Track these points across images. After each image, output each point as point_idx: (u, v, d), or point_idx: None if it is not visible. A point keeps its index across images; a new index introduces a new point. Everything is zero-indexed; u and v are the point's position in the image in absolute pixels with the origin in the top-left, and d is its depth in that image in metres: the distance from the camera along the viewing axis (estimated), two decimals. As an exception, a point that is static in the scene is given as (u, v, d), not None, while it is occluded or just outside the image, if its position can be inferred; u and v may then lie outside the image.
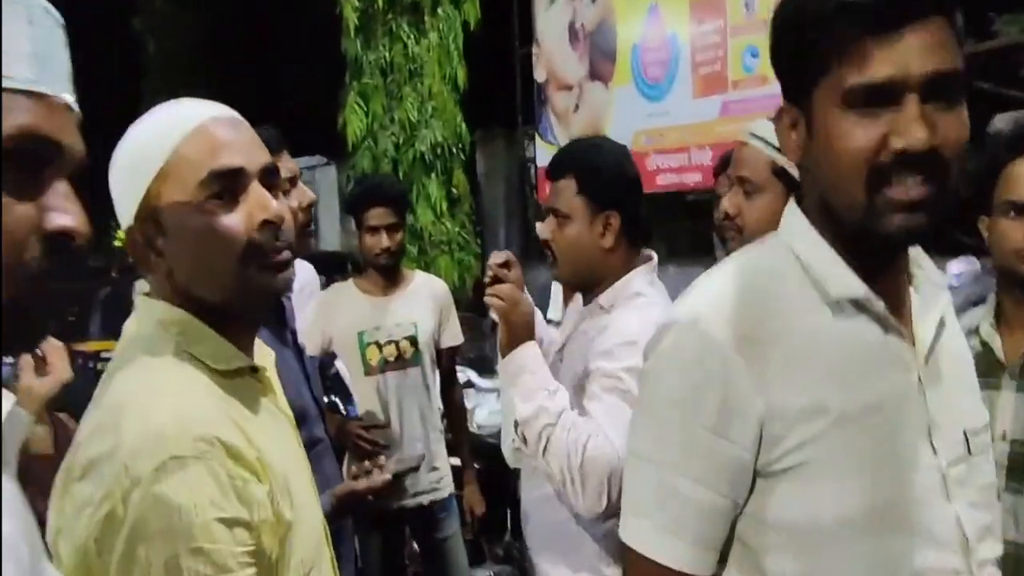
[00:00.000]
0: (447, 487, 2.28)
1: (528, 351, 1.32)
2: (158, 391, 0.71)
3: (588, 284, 1.40)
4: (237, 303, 0.76)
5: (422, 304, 2.26)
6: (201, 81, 10.99)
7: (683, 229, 4.96)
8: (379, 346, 2.21)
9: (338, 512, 1.27)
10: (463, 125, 5.94)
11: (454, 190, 6.14)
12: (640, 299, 1.34)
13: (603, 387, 1.26)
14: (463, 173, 6.15)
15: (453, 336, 2.33)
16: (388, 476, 1.35)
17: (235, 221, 0.74)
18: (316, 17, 6.41)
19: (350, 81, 5.84)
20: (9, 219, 0.43)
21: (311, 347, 2.20)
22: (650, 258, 1.42)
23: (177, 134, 0.75)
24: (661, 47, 5.21)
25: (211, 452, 0.69)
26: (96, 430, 0.71)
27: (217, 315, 0.77)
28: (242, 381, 0.78)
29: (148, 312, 0.78)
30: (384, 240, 2.17)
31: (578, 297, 1.49)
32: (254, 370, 0.80)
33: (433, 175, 5.92)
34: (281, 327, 1.42)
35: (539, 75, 6.27)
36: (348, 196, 2.30)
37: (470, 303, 7.19)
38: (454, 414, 2.44)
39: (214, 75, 11.01)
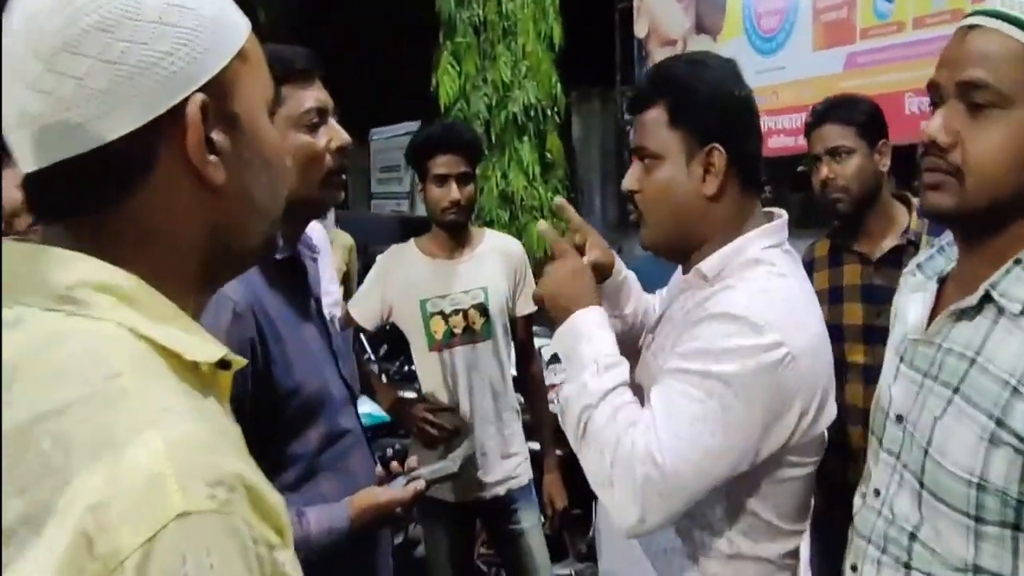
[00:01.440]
0: (525, 474, 2.05)
1: (587, 316, 1.05)
2: (126, 402, 0.45)
3: (685, 248, 1.08)
4: None
5: (493, 267, 1.99)
6: (303, 45, 11.19)
7: (796, 200, 4.52)
8: (444, 316, 1.97)
9: (358, 527, 1.09)
10: (558, 85, 5.67)
11: (548, 154, 5.91)
12: (760, 268, 1.01)
13: (673, 369, 0.98)
14: (557, 136, 5.91)
15: (530, 303, 2.00)
16: (421, 485, 1.15)
17: None
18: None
19: (443, 41, 5.67)
20: None
21: (367, 320, 2.03)
22: (777, 216, 1.08)
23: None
24: (778, -7, 4.72)
25: (232, 502, 0.44)
26: (21, 482, 0.43)
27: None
28: (204, 378, 0.53)
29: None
30: (453, 192, 1.89)
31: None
32: (223, 365, 0.54)
33: (526, 138, 5.71)
34: (303, 296, 1.20)
35: (639, 30, 5.87)
36: (411, 143, 1.98)
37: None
38: (532, 392, 2.15)
39: (314, 39, 11.15)
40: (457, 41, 5.57)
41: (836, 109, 1.72)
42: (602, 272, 1.21)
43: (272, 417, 1.07)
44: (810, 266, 1.78)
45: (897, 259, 1.62)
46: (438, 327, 1.97)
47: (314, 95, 1.13)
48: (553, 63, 5.62)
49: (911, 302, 0.96)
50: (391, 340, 4.69)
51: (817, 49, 4.50)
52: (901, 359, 0.95)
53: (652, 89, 1.07)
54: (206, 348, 0.52)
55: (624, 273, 1.26)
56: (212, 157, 0.53)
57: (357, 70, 11.40)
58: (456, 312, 1.96)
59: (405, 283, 1.98)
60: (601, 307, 1.07)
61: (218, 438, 0.48)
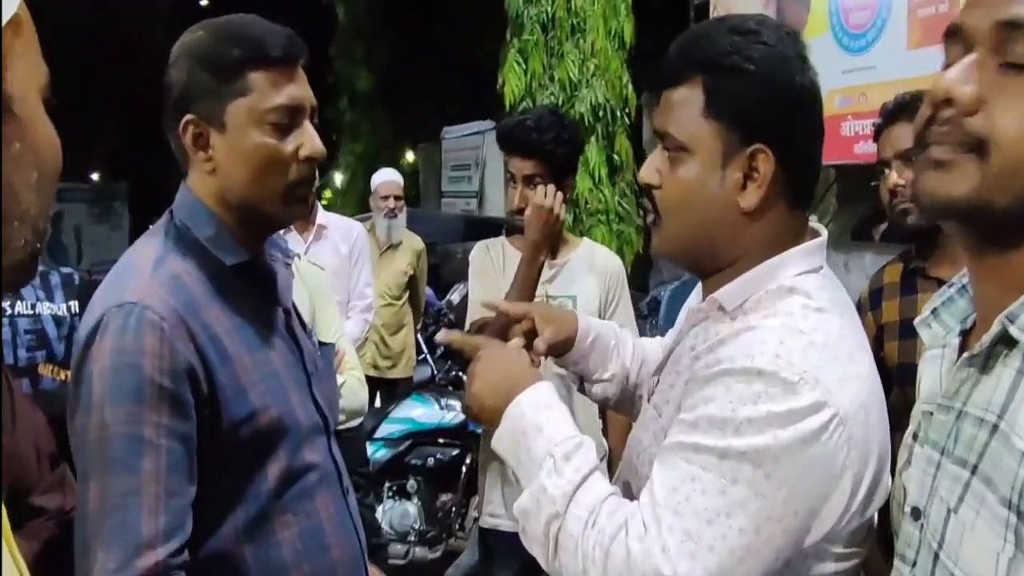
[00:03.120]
0: None
1: (525, 402, 0.85)
2: None
3: (706, 267, 0.86)
4: None
5: (584, 277, 1.81)
6: (380, 44, 11.35)
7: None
8: None
9: None
10: (629, 86, 5.47)
11: (616, 156, 5.71)
12: (793, 301, 0.79)
13: (680, 445, 0.76)
14: (626, 138, 5.69)
15: (622, 317, 1.81)
16: None
17: None
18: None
19: (510, 38, 5.56)
20: None
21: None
22: (816, 235, 0.86)
23: None
24: (869, -14, 4.35)
25: None
26: None
27: None
28: None
29: None
30: (518, 195, 1.73)
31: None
32: None
33: (593, 139, 5.52)
34: (268, 307, 1.04)
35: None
36: (496, 134, 1.87)
37: (629, 279, 6.80)
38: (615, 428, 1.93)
39: (390, 38, 11.30)
40: (524, 39, 5.44)
41: (909, 107, 1.48)
42: (565, 344, 1.06)
43: (218, 452, 0.93)
44: (879, 294, 1.56)
45: None
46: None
47: (289, 90, 0.96)
48: (624, 62, 5.42)
49: (927, 364, 0.72)
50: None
51: (913, 47, 4.12)
52: (915, 437, 0.71)
53: (685, 60, 0.82)
54: None
55: (593, 334, 1.08)
56: None
57: (430, 69, 11.49)
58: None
59: (495, 277, 1.82)
60: (545, 383, 0.88)
61: None
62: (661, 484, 0.76)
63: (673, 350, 0.91)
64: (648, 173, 0.86)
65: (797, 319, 0.77)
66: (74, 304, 1.70)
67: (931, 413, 0.68)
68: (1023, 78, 0.58)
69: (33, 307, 1.66)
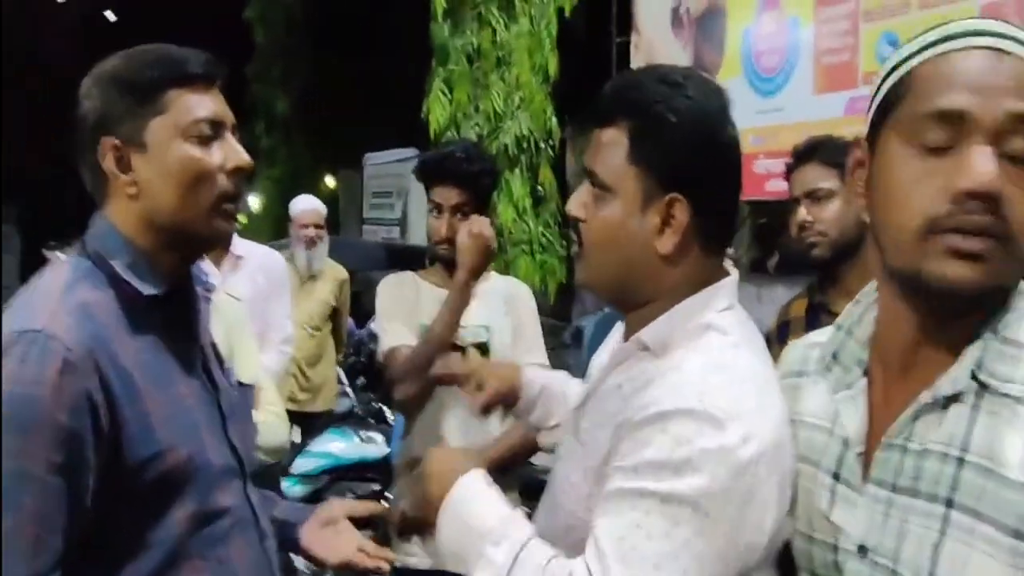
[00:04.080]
0: None
1: (457, 497, 0.86)
2: None
3: (625, 303, 0.90)
4: None
5: (497, 308, 1.79)
6: (299, 67, 11.17)
7: (790, 245, 4.35)
8: None
9: None
10: (553, 118, 5.58)
11: (539, 187, 5.79)
12: (711, 337, 0.83)
13: (621, 492, 0.77)
14: (550, 169, 5.78)
15: (531, 351, 1.78)
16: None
17: None
18: (409, 1, 6.22)
19: (436, 68, 5.58)
20: None
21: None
22: (726, 274, 0.90)
23: None
24: (778, 33, 4.62)
25: None
26: None
27: None
28: None
29: None
30: (445, 225, 1.71)
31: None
32: None
33: (517, 170, 5.59)
34: (185, 343, 0.99)
35: (636, 63, 5.78)
36: (416, 164, 1.86)
37: (552, 309, 6.86)
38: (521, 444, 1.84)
39: (311, 61, 11.15)
40: (450, 68, 5.48)
41: (818, 150, 1.60)
42: (511, 396, 1.09)
43: (121, 493, 0.87)
44: (785, 328, 1.63)
45: None
46: None
47: (208, 104, 0.95)
48: (547, 95, 5.53)
49: (843, 405, 0.76)
50: (367, 372, 4.51)
51: (818, 92, 4.39)
52: (836, 476, 0.75)
53: (615, 103, 0.86)
54: None
55: (539, 384, 1.11)
56: None
57: (351, 94, 11.38)
58: (456, 348, 1.73)
59: (408, 310, 1.78)
60: (467, 475, 0.88)
61: None
62: (607, 535, 0.76)
63: (597, 388, 0.92)
64: (575, 206, 0.89)
65: (716, 355, 0.81)
66: None
67: (861, 454, 0.72)
68: (1020, 169, 0.63)
69: None
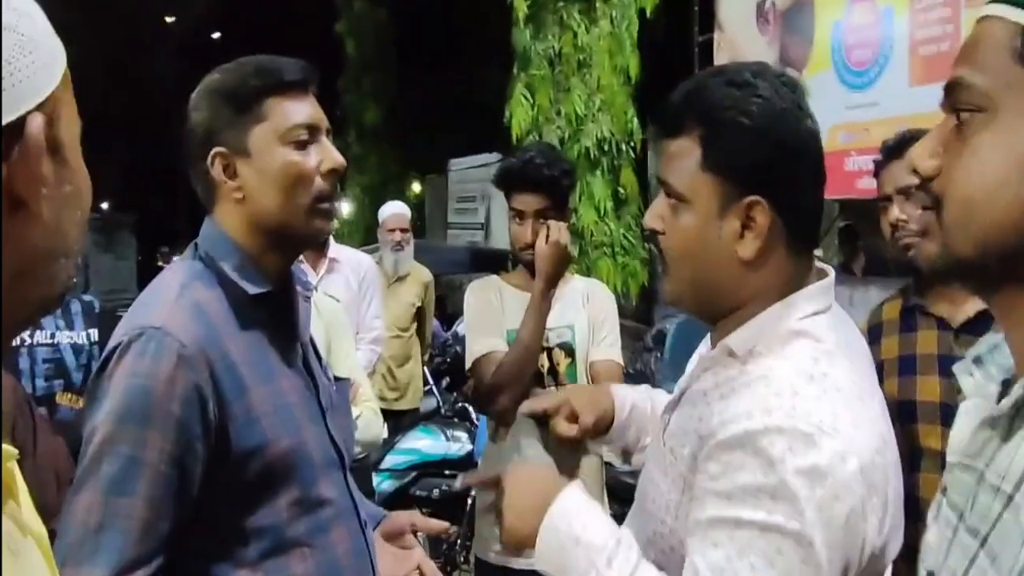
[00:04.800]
0: None
1: (556, 516, 0.84)
2: None
3: (714, 313, 0.87)
4: None
5: (578, 308, 1.81)
6: (388, 78, 11.53)
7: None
8: None
9: None
10: (634, 120, 5.54)
11: (621, 189, 5.77)
12: (802, 344, 0.79)
13: (717, 520, 0.74)
14: (632, 171, 5.75)
15: (605, 348, 1.80)
16: None
17: None
18: (491, 8, 6.33)
19: (518, 73, 5.66)
20: None
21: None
22: (823, 274, 0.86)
23: None
24: (871, 24, 4.43)
25: None
26: None
27: None
28: None
29: None
30: (528, 231, 1.72)
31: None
32: None
33: (599, 172, 5.59)
34: (287, 340, 1.04)
35: (721, 63, 5.68)
36: (495, 172, 1.86)
37: (633, 312, 6.80)
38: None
39: (398, 70, 11.48)
40: (531, 73, 5.53)
41: (910, 143, 1.52)
42: (604, 422, 1.08)
43: (229, 481, 0.94)
44: (877, 330, 1.56)
45: (985, 326, 1.37)
46: None
47: (304, 110, 1.01)
48: (629, 97, 5.50)
49: (963, 414, 0.68)
50: (453, 373, 4.63)
51: (915, 84, 4.18)
52: (944, 491, 0.67)
53: (683, 111, 0.84)
54: None
55: (629, 405, 1.10)
56: (41, 188, 0.45)
57: (437, 102, 11.66)
58: (542, 350, 1.78)
59: (493, 315, 1.81)
60: (572, 488, 0.88)
61: None
62: (707, 566, 0.74)
63: (684, 393, 0.91)
64: (652, 219, 0.87)
65: (807, 364, 0.77)
66: (93, 332, 1.70)
67: (955, 465, 0.64)
68: (968, 123, 0.57)
69: (52, 336, 1.66)
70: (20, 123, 0.44)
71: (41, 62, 0.46)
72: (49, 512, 1.12)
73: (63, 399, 1.64)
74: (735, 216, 0.81)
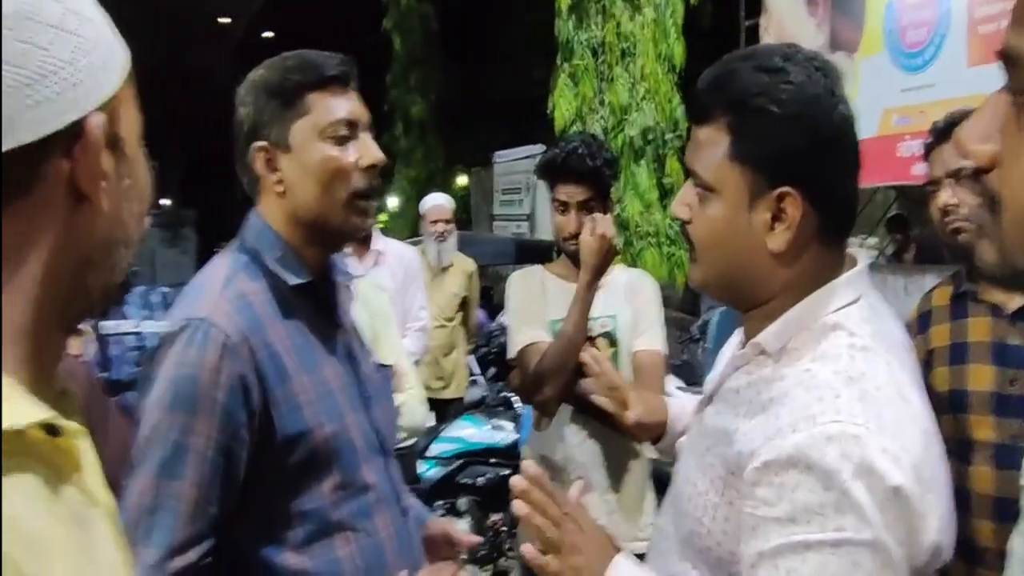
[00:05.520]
0: None
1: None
2: None
3: (742, 303, 0.85)
4: None
5: (622, 298, 1.81)
6: (434, 72, 11.63)
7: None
8: None
9: None
10: (679, 108, 5.47)
11: (666, 179, 5.71)
12: (838, 339, 0.76)
13: (784, 547, 0.70)
14: (677, 160, 5.69)
15: (647, 338, 1.78)
16: None
17: None
18: (536, 2, 6.33)
19: (561, 63, 5.65)
20: None
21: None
22: (854, 263, 0.82)
23: None
24: (926, 3, 4.28)
25: None
26: None
27: None
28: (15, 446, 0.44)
29: None
30: (572, 222, 1.72)
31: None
32: (51, 431, 0.46)
33: (643, 162, 5.55)
34: (328, 328, 1.05)
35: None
36: (537, 164, 1.86)
37: (679, 302, 6.72)
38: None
39: (444, 64, 11.56)
40: (575, 63, 5.52)
41: (960, 124, 1.46)
42: (655, 429, 1.06)
43: (274, 467, 0.96)
44: (927, 318, 1.51)
45: None
46: None
47: (345, 105, 1.02)
48: (674, 85, 5.44)
49: None
50: (499, 363, 4.67)
51: (973, 64, 4.03)
52: None
53: (710, 99, 0.80)
54: (6, 414, 0.43)
55: (687, 417, 1.06)
56: (102, 182, 0.48)
57: (482, 95, 11.71)
58: (584, 341, 1.77)
59: (536, 304, 1.81)
60: (621, 558, 0.83)
61: None
62: None
63: (717, 391, 0.88)
64: (679, 208, 0.84)
65: (846, 363, 0.74)
66: None
67: None
68: None
69: (137, 325, 1.77)
70: (81, 122, 0.47)
71: (101, 63, 0.48)
72: (119, 491, 1.19)
73: None
74: (765, 207, 0.78)
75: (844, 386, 0.72)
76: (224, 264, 1.03)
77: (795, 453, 0.70)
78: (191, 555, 0.91)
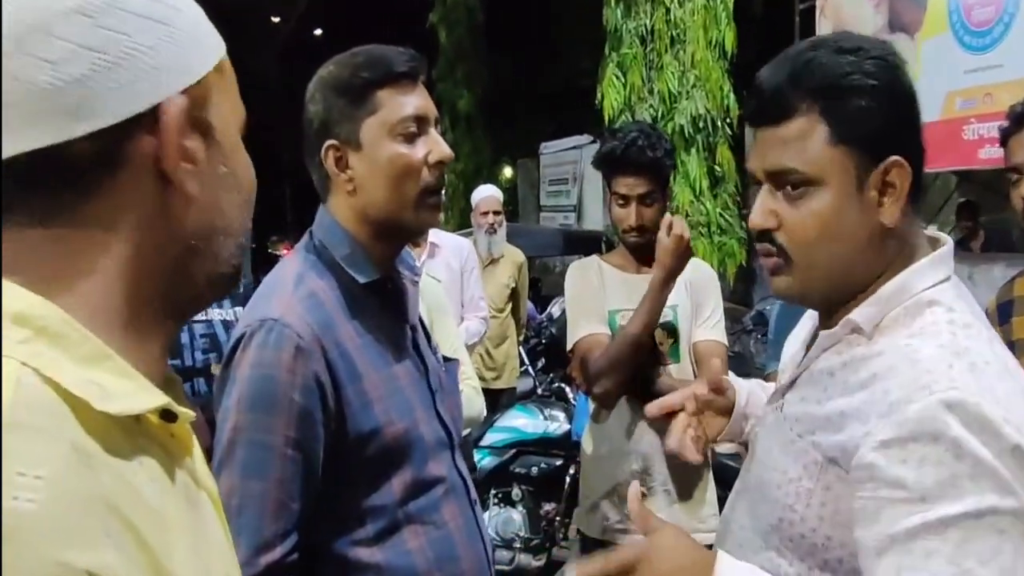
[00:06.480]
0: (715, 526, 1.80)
1: None
2: None
3: (846, 296, 0.81)
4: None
5: (680, 288, 1.74)
6: (480, 65, 11.66)
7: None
8: None
9: None
10: (730, 95, 5.39)
11: (717, 167, 5.63)
12: (936, 314, 0.75)
13: (921, 527, 0.67)
14: (728, 149, 5.60)
15: (708, 328, 1.77)
16: None
17: None
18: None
19: (609, 52, 5.60)
20: None
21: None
22: (939, 243, 0.81)
23: None
24: (994, -19, 4.11)
25: None
26: None
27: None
28: (135, 431, 0.46)
29: None
30: (633, 215, 1.70)
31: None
32: (168, 417, 0.48)
33: (694, 150, 5.48)
34: (396, 324, 1.06)
35: (824, 32, 5.40)
36: (595, 155, 1.83)
37: (731, 293, 6.62)
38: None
39: (490, 57, 11.58)
40: (623, 52, 5.47)
41: None
42: (724, 408, 1.04)
43: (346, 464, 0.97)
44: (1008, 308, 1.45)
45: None
46: None
47: (413, 102, 1.01)
48: (725, 72, 5.35)
49: None
50: (548, 354, 4.69)
51: (1044, 43, 3.86)
52: None
53: (795, 90, 0.78)
54: (128, 398, 0.44)
55: (745, 395, 1.05)
56: (186, 165, 0.48)
57: (529, 87, 11.68)
58: (650, 339, 1.75)
59: (594, 296, 1.79)
60: (726, 562, 0.78)
61: (83, 518, 0.39)
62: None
63: (802, 375, 0.86)
64: (764, 217, 0.81)
65: (947, 338, 0.73)
66: (239, 310, 1.83)
67: None
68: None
69: (205, 313, 1.79)
70: (161, 105, 0.47)
71: (187, 51, 0.49)
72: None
73: (217, 369, 1.78)
74: (873, 184, 0.77)
75: (954, 360, 0.71)
76: (295, 263, 1.04)
77: (916, 426, 0.68)
78: (277, 552, 0.92)
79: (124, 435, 0.45)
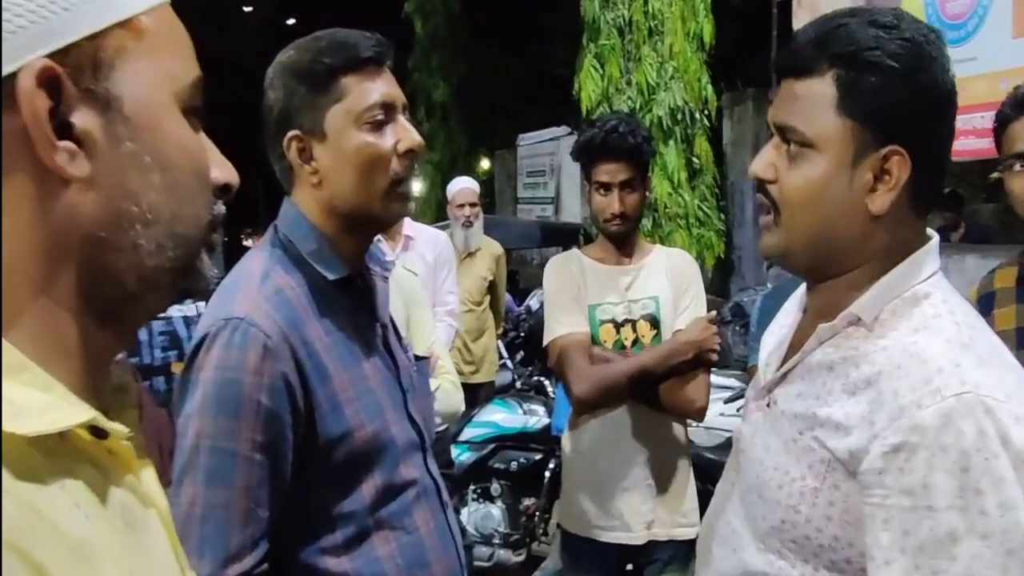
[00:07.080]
0: (695, 526, 1.70)
1: None
2: None
3: (826, 272, 0.81)
4: None
5: (662, 279, 1.77)
6: (456, 56, 11.57)
7: (989, 209, 3.93)
8: (616, 325, 1.72)
9: None
10: (708, 87, 5.39)
11: (695, 159, 5.64)
12: (934, 307, 0.75)
13: (931, 541, 0.65)
14: (706, 140, 5.61)
15: (686, 317, 1.76)
16: None
17: None
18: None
19: (587, 44, 5.57)
20: None
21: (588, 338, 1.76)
22: (928, 236, 0.81)
23: None
24: (968, -27, 4.14)
25: None
26: None
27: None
28: (57, 448, 0.41)
29: None
30: (615, 202, 1.69)
31: (798, 295, 0.91)
32: (98, 433, 0.43)
33: (672, 142, 5.47)
34: (367, 322, 1.02)
35: (800, 24, 5.42)
36: (575, 145, 1.81)
37: (709, 284, 6.65)
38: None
39: (466, 47, 11.50)
40: (601, 43, 5.45)
41: None
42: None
43: (314, 468, 0.93)
44: (989, 300, 1.44)
45: None
46: (608, 336, 1.73)
47: (380, 88, 0.96)
48: (703, 63, 5.34)
49: None
50: (527, 347, 4.66)
51: (1018, 36, 3.89)
52: None
53: (819, 51, 0.76)
54: (45, 415, 0.39)
55: None
56: (65, 143, 0.41)
57: (505, 78, 11.61)
58: (627, 322, 1.75)
59: (574, 291, 1.76)
60: None
61: None
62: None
63: (795, 368, 0.83)
64: (762, 167, 0.81)
65: (952, 331, 0.72)
66: (201, 305, 1.77)
67: None
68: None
69: (165, 310, 1.73)
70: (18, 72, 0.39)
71: (62, 4, 0.41)
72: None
73: (177, 368, 1.71)
74: (868, 167, 0.75)
75: (960, 354, 0.70)
76: (259, 258, 0.99)
77: (926, 432, 0.67)
78: (247, 562, 0.88)
79: (43, 456, 0.39)
